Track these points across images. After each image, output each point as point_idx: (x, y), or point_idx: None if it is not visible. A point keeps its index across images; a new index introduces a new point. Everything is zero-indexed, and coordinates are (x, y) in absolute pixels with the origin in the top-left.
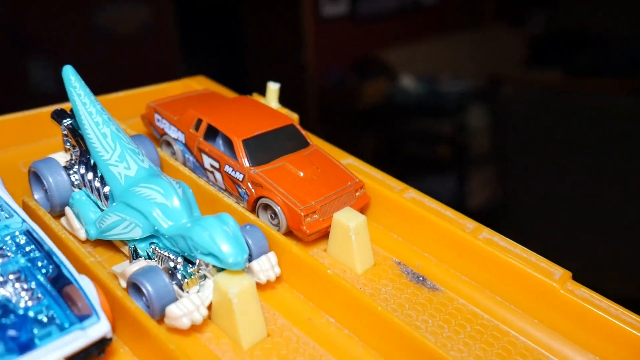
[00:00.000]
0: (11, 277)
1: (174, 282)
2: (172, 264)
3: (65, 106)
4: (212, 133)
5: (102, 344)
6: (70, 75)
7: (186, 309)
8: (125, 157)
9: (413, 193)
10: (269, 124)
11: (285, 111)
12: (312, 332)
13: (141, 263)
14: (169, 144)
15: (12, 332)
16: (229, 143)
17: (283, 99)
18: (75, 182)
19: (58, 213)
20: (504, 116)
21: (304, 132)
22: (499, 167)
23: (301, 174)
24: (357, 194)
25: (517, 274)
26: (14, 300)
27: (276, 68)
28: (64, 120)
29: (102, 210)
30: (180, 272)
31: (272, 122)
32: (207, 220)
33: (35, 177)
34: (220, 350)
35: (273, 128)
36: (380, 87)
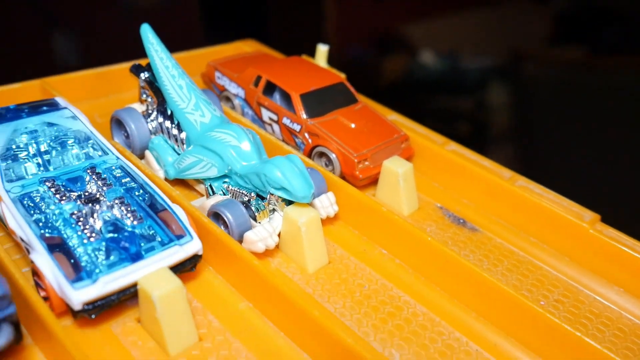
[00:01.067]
0: (116, 201)
1: (247, 214)
2: (245, 199)
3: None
4: (270, 89)
5: (194, 260)
6: (147, 33)
7: (261, 235)
8: (200, 106)
9: (454, 146)
10: (322, 81)
11: (334, 71)
12: (368, 260)
13: (218, 198)
14: (228, 99)
15: (124, 244)
16: (287, 98)
17: None
18: (152, 129)
19: (137, 156)
20: (525, 94)
21: (352, 89)
22: (520, 145)
23: (353, 125)
24: (402, 145)
25: (550, 216)
26: (122, 219)
27: (296, 42)
28: (142, 74)
29: (178, 153)
30: (253, 205)
31: (325, 80)
32: (279, 160)
33: (116, 124)
34: (290, 273)
35: (326, 85)
36: (400, 62)
